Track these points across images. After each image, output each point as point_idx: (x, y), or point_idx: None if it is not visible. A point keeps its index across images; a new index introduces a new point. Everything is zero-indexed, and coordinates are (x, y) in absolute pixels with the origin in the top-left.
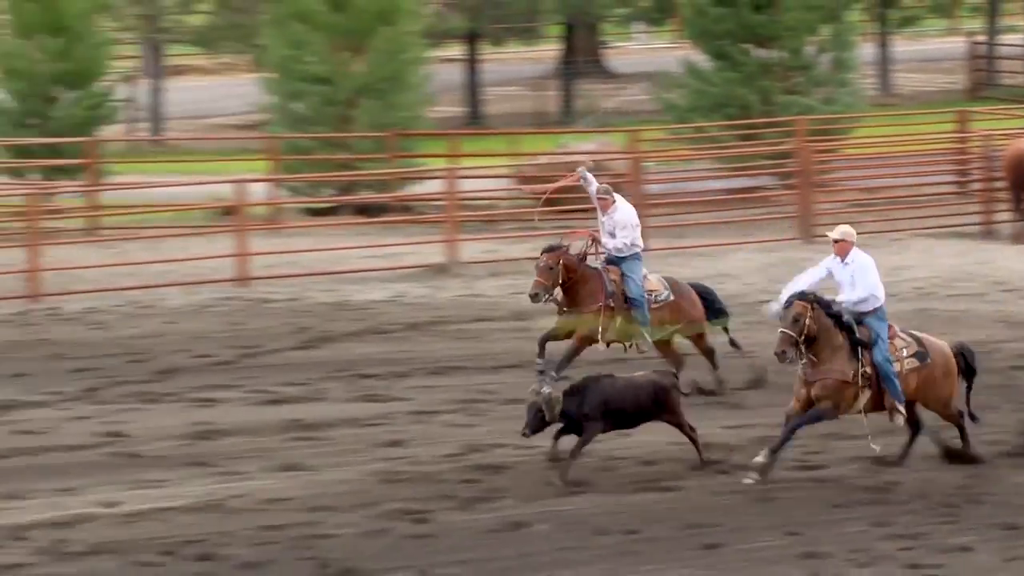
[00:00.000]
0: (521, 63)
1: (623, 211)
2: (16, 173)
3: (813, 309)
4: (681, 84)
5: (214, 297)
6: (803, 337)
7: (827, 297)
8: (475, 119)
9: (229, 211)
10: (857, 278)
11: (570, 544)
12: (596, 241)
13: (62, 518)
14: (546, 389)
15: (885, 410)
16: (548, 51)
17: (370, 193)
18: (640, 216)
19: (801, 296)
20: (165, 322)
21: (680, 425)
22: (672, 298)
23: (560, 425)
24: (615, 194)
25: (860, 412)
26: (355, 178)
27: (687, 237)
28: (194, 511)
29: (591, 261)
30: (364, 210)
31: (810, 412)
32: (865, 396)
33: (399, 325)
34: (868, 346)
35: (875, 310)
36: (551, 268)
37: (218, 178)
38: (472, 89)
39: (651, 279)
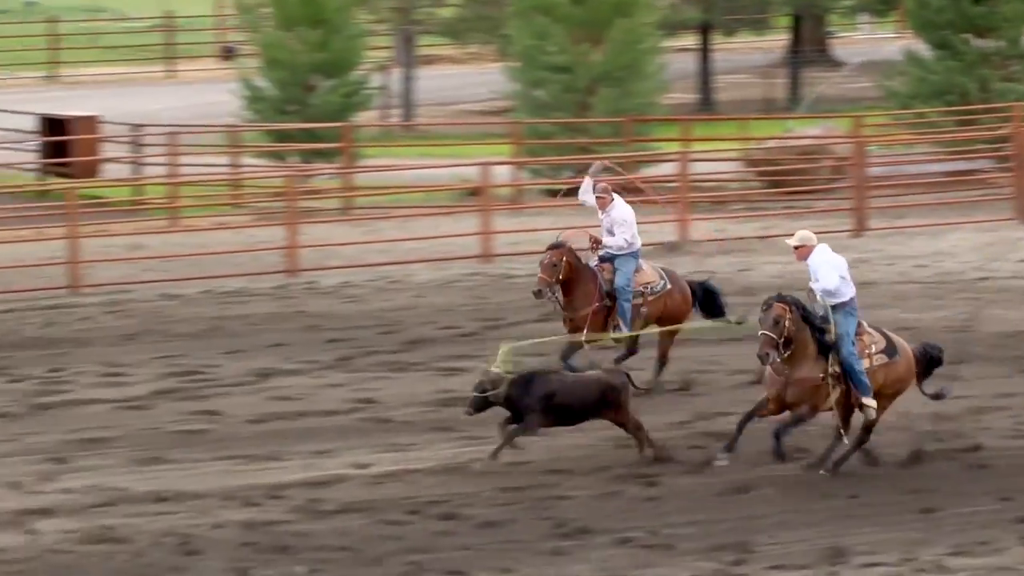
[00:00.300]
0: (751, 52)
1: (620, 209)
2: (277, 156)
3: (791, 312)
4: (903, 72)
5: (460, 273)
6: (783, 339)
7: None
8: (706, 105)
9: (475, 192)
10: (818, 275)
11: (793, 507)
12: (596, 241)
13: (316, 478)
14: (495, 370)
15: (854, 406)
16: (777, 41)
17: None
18: (863, 197)
19: (780, 298)
20: (414, 296)
21: (624, 424)
22: (669, 287)
23: None
24: (613, 193)
25: (831, 409)
26: (593, 161)
27: (907, 217)
28: (439, 473)
29: (587, 258)
30: None
31: (791, 417)
32: (836, 393)
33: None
34: (835, 346)
35: (844, 305)
36: (555, 265)
37: (465, 161)
38: (704, 77)
39: (647, 270)
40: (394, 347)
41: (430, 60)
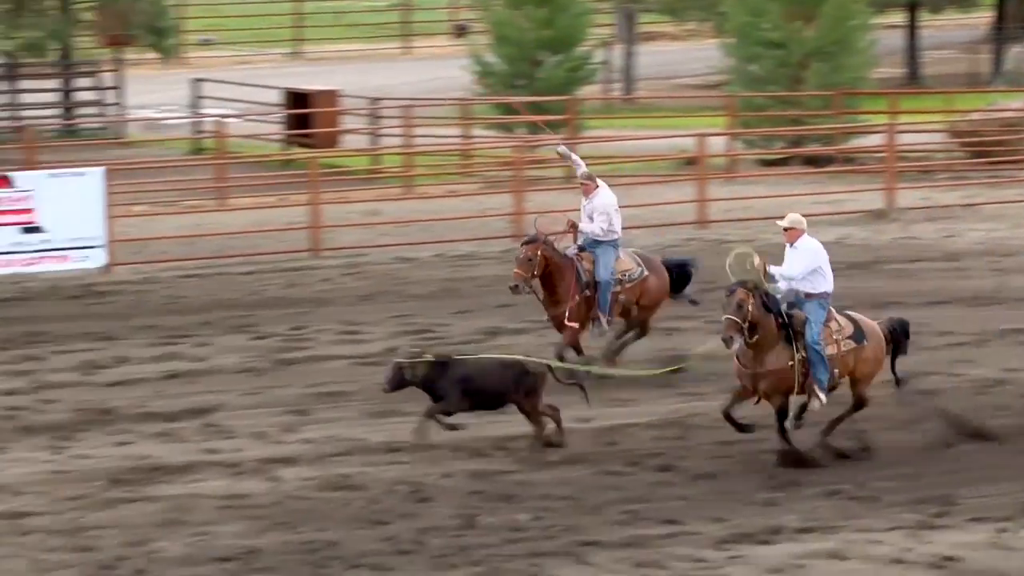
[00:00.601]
0: (957, 28)
1: (603, 196)
2: (505, 128)
3: (754, 297)
4: None
5: (677, 238)
6: (747, 323)
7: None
8: (913, 79)
9: (691, 162)
10: (795, 259)
11: (994, 462)
12: (574, 226)
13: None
14: (412, 350)
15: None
16: (982, 17)
17: (817, 146)
18: None
19: (743, 284)
20: None
21: (530, 412)
22: (646, 273)
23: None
24: (598, 179)
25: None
26: (804, 132)
27: None
28: (658, 427)
29: (565, 245)
30: (812, 161)
31: (777, 418)
32: (800, 379)
33: (842, 264)
34: (800, 333)
35: (818, 296)
36: (530, 259)
37: (682, 132)
38: (911, 52)
39: (624, 258)
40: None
41: (650, 37)
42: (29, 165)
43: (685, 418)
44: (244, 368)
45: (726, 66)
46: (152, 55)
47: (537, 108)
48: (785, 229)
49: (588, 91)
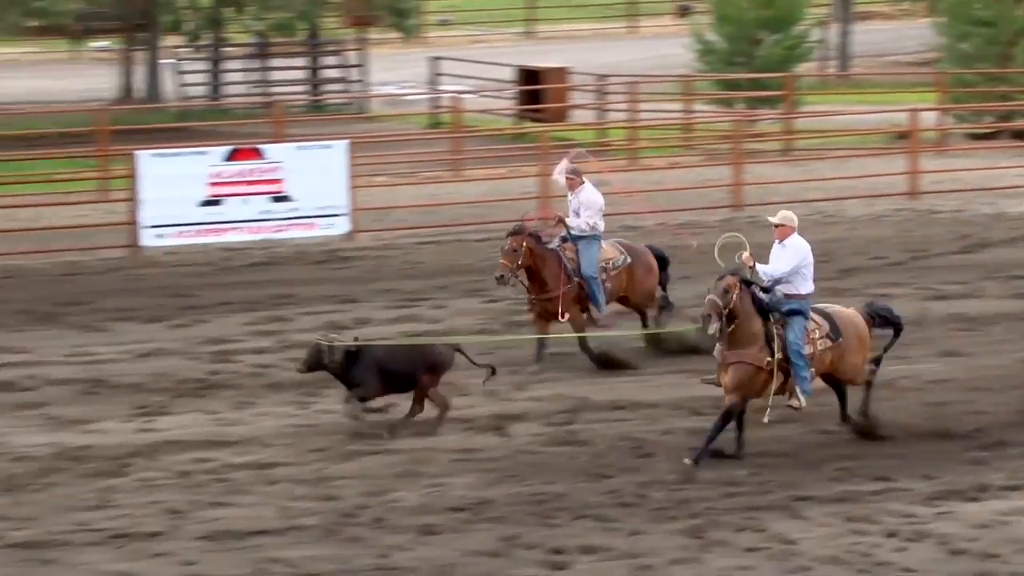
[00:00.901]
0: None
1: (588, 192)
2: (725, 103)
3: (741, 289)
4: None
5: (888, 208)
6: (727, 311)
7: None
8: None
9: (903, 136)
10: (782, 256)
11: None
12: (562, 221)
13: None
14: (333, 337)
15: (786, 393)
16: None
17: None
18: None
19: (733, 272)
20: (846, 229)
21: (425, 389)
22: (629, 261)
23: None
24: (582, 176)
25: (775, 395)
26: (1013, 108)
27: None
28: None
29: (549, 239)
30: (1020, 135)
31: (721, 413)
32: (778, 381)
33: None
34: (782, 333)
35: (799, 297)
36: (515, 250)
37: (894, 107)
38: None
39: (606, 247)
40: (829, 275)
41: (865, 15)
42: (278, 138)
43: (894, 380)
44: (477, 330)
45: (938, 44)
46: (394, 35)
47: (756, 84)
48: (776, 225)
49: (805, 68)
